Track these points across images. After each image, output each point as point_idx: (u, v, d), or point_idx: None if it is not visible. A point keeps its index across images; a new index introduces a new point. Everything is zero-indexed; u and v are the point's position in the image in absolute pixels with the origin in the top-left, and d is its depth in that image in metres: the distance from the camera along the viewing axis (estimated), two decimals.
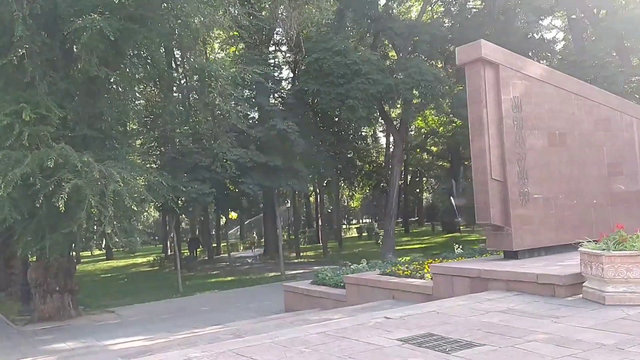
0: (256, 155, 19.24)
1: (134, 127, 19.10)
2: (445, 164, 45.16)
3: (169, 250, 40.95)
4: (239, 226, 54.63)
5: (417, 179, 55.88)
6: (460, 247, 15.70)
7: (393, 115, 27.49)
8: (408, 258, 24.52)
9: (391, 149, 49.84)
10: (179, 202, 19.07)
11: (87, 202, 11.96)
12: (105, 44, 13.32)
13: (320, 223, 47.05)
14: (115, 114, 14.30)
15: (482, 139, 9.24)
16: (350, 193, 38.76)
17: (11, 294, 20.20)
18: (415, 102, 20.52)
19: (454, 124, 34.58)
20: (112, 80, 14.34)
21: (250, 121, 19.56)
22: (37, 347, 11.36)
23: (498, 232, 9.37)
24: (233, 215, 56.34)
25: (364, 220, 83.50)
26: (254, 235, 51.94)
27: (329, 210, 54.92)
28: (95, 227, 12.44)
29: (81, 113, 14.06)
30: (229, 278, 22.41)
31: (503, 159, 9.27)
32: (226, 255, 40.51)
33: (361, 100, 18.83)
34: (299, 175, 21.39)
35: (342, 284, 12.29)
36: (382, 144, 45.12)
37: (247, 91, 20.28)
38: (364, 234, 47.33)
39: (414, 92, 19.62)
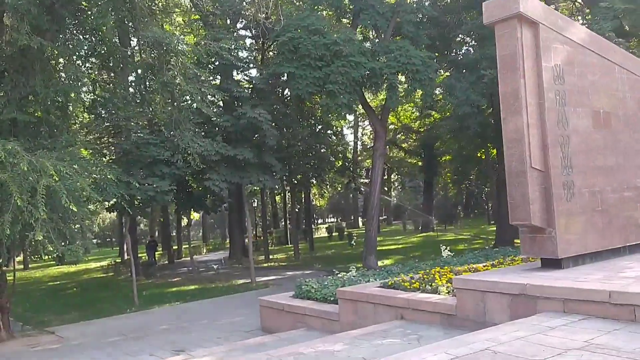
0: (223, 148, 16.88)
1: (81, 115, 16.52)
2: (417, 161, 43.61)
3: (125, 254, 38.03)
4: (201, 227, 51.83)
5: (385, 177, 54.34)
6: (447, 248, 13.92)
7: (373, 104, 25.59)
8: (389, 261, 22.69)
9: (356, 147, 48.36)
10: (135, 201, 16.58)
11: (12, 201, 9.47)
12: (39, 9, 10.85)
13: (288, 223, 44.93)
14: (53, 95, 11.76)
15: (519, 118, 7.26)
16: (322, 191, 36.71)
17: None
18: (401, 88, 18.55)
19: (432, 118, 32.97)
20: (48, 54, 11.79)
21: (216, 109, 17.12)
22: None
23: (538, 234, 7.41)
24: (195, 215, 53.64)
25: (329, 220, 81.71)
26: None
27: (297, 210, 52.81)
28: (25, 233, 9.92)
29: (9, 92, 11.48)
30: (192, 286, 19.97)
31: (544, 142, 7.33)
32: (188, 259, 37.88)
33: (342, 85, 16.73)
34: (271, 170, 19.13)
35: (331, 298, 10.20)
36: (348, 140, 43.24)
37: (211, 75, 17.91)
38: (334, 234, 45.37)
39: (400, 77, 17.64)
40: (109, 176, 11.07)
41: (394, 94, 17.63)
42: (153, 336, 11.84)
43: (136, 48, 14.21)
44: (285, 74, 17.71)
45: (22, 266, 40.78)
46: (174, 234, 38.45)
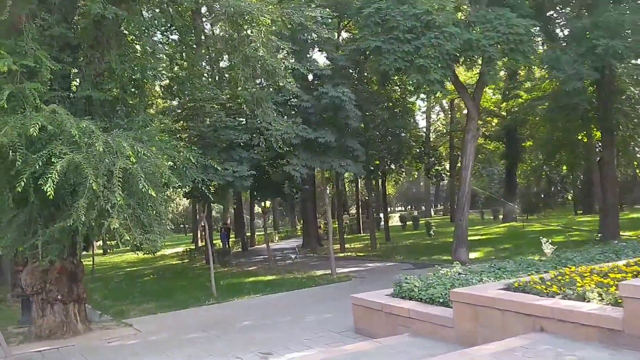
0: (303, 130, 15.67)
1: (155, 100, 15.78)
2: (497, 146, 40.84)
3: (199, 241, 38.02)
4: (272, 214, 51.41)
5: (458, 164, 51.71)
6: (548, 241, 12.05)
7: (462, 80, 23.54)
8: (479, 254, 20.87)
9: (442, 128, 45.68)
10: (211, 187, 15.72)
11: (87, 185, 8.60)
12: None
13: (361, 211, 43.61)
14: (129, 72, 10.89)
15: None
16: (397, 178, 34.99)
17: (19, 296, 17.25)
18: (502, 62, 16.58)
19: (520, 100, 30.41)
20: (123, 26, 10.91)
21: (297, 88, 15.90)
22: None
23: None
24: (267, 204, 53.30)
25: (397, 209, 79.52)
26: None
27: (367, 198, 51.30)
28: (101, 220, 9.08)
29: (84, 69, 10.70)
30: (270, 277, 19.01)
31: None
32: (261, 246, 37.36)
33: (434, 59, 15.04)
34: (352, 155, 17.76)
35: (440, 300, 8.73)
36: (421, 127, 41.07)
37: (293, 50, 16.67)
38: (408, 224, 43.56)
39: (500, 48, 15.68)
40: (190, 158, 10.08)
41: (492, 68, 15.73)
42: (234, 334, 10.82)
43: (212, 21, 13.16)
44: (371, 49, 16.15)
45: (101, 251, 41.84)
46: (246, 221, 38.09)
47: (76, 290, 11.74)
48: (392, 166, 28.01)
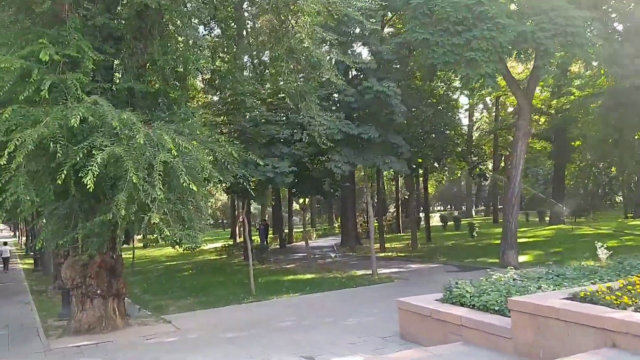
0: (346, 126, 15.18)
1: (197, 95, 15.57)
2: (545, 146, 39.32)
3: (237, 237, 38.06)
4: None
5: (502, 164, 50.16)
6: (603, 246, 11.17)
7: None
8: (528, 257, 19.95)
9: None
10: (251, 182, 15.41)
11: (127, 178, 8.36)
12: None
13: (400, 210, 42.84)
14: (172, 63, 10.64)
15: None
16: (439, 177, 34.06)
17: (59, 288, 17.41)
18: (559, 55, 15.67)
19: (572, 97, 29.08)
20: (166, 17, 10.66)
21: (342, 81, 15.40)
22: None
23: None
24: (305, 201, 53.05)
25: (436, 209, 77.98)
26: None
27: (407, 197, 50.39)
28: (140, 214, 8.84)
29: (127, 60, 10.49)
30: (309, 275, 18.62)
31: None
32: (299, 243, 37.07)
33: (485, 52, 14.29)
34: (398, 151, 17.16)
35: (495, 308, 8.13)
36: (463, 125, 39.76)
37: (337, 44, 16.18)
38: (449, 224, 42.52)
39: (556, 41, 14.79)
40: (232, 153, 9.75)
41: (547, 61, 14.87)
42: (274, 334, 10.44)
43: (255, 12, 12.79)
44: (418, 42, 15.49)
45: (141, 244, 42.39)
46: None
47: (115, 285, 11.61)
48: (436, 164, 27.20)
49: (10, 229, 77.98)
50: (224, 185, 12.88)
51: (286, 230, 35.79)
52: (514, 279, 9.35)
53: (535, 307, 7.09)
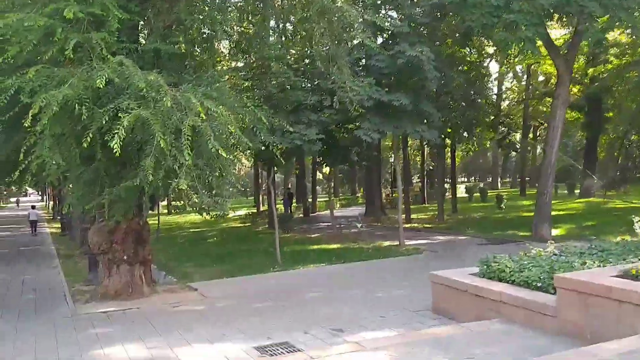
0: (377, 92, 14.61)
1: (223, 53, 15.11)
2: (578, 116, 38.01)
3: (261, 205, 38.01)
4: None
5: (531, 135, 48.85)
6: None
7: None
8: (560, 231, 19.35)
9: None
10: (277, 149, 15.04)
11: (155, 142, 8.06)
12: None
13: (426, 181, 42.27)
14: (198, 24, 10.19)
15: None
16: (467, 147, 33.27)
17: (86, 253, 17.48)
18: (602, 20, 14.74)
19: (610, 66, 27.85)
20: None
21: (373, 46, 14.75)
22: (84, 352, 7.80)
23: None
24: (327, 169, 52.72)
25: (459, 180, 76.84)
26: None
27: (431, 167, 49.66)
28: (168, 181, 8.57)
29: (152, 20, 10.08)
30: (335, 245, 18.37)
31: None
32: (322, 213, 36.90)
33: (526, 14, 13.50)
34: (429, 119, 16.56)
35: (537, 284, 7.71)
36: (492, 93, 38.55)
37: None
38: (474, 195, 41.80)
39: (601, 4, 13.88)
40: (261, 118, 9.36)
41: (591, 25, 14.00)
42: (302, 306, 10.22)
43: None
44: (453, 3, 14.69)
45: (166, 211, 42.65)
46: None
47: (142, 252, 11.46)
48: (465, 134, 26.47)
49: (39, 193, 79.49)
50: (251, 152, 12.51)
51: (310, 200, 35.56)
52: (554, 254, 8.90)
53: (584, 284, 6.65)
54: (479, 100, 23.99)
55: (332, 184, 42.17)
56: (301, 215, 32.57)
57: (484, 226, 22.39)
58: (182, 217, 37.72)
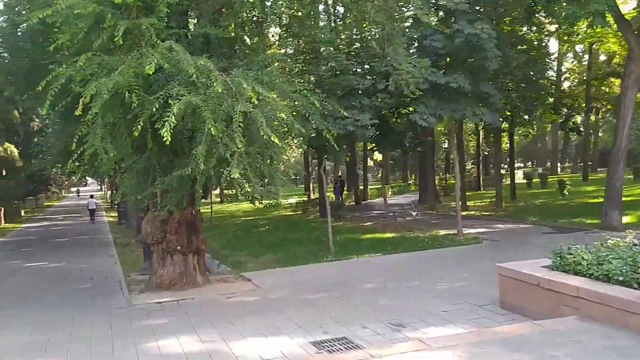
0: (433, 74, 13.90)
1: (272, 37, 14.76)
2: None
3: (312, 193, 37.81)
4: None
5: (593, 117, 46.32)
6: None
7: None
8: (631, 219, 18.13)
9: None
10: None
11: (205, 130, 7.79)
12: None
13: (481, 166, 40.92)
14: (248, 8, 9.84)
15: None
16: (527, 130, 31.74)
17: (142, 242, 17.68)
18: None
19: None
20: None
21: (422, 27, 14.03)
22: (138, 344, 7.68)
23: None
24: (378, 156, 51.99)
25: (516, 165, 74.16)
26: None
27: (486, 153, 48.05)
28: (219, 169, 8.31)
29: (202, 4, 9.80)
30: (389, 234, 17.84)
31: None
32: (374, 200, 36.34)
33: None
34: (489, 101, 15.69)
35: (620, 279, 7.00)
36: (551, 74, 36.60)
37: None
38: (534, 181, 40.13)
39: None
40: (314, 103, 8.94)
41: None
42: (358, 297, 9.81)
43: None
44: None
45: (218, 199, 43.17)
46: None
47: (195, 241, 11.34)
48: (525, 117, 25.20)
49: (98, 183, 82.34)
50: (303, 139, 12.15)
51: (361, 187, 35.03)
52: (635, 244, 8.10)
53: None
54: (540, 81, 22.70)
55: (384, 171, 41.43)
56: (352, 203, 32.11)
57: (547, 213, 21.28)
58: (234, 206, 38.05)
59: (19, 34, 14.41)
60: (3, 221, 34.81)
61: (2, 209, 34.46)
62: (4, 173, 33.40)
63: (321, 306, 9.24)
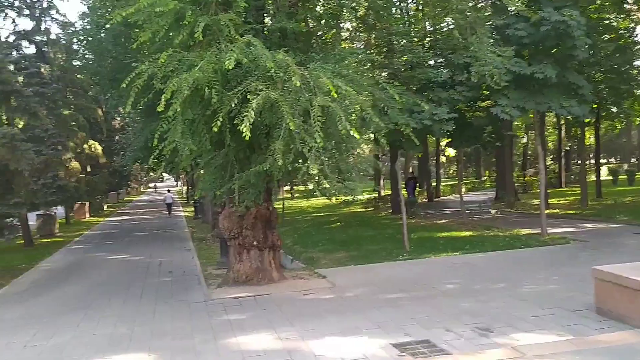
0: (517, 65, 13.14)
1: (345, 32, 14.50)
2: None
3: (382, 190, 37.34)
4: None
5: None
6: None
7: None
8: None
9: None
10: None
11: (283, 125, 7.67)
12: None
13: (562, 162, 38.89)
14: (325, 1, 9.64)
15: None
16: (613, 125, 29.68)
17: (217, 237, 18.01)
18: None
19: None
20: None
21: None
22: (218, 339, 7.68)
23: None
24: (450, 152, 50.64)
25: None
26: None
27: (567, 148, 45.60)
28: (296, 165, 8.18)
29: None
30: (466, 233, 17.16)
31: None
32: (447, 197, 35.39)
33: None
34: (577, 93, 14.69)
35: None
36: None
37: None
38: (620, 178, 37.65)
39: None
40: (394, 96, 8.62)
41: None
42: (438, 298, 9.38)
43: None
44: None
45: (289, 195, 43.54)
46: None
47: (271, 237, 11.32)
48: (613, 109, 23.57)
49: (174, 179, 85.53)
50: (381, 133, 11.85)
51: (434, 184, 34.17)
52: None
53: None
54: (630, 71, 21.12)
55: (459, 167, 40.32)
56: (425, 200, 31.38)
57: (638, 213, 19.77)
58: (305, 202, 38.19)
59: (102, 35, 15.00)
60: (88, 215, 36.77)
61: (88, 203, 36.39)
62: (89, 169, 35.25)
63: (401, 306, 8.91)
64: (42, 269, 16.23)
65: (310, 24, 10.22)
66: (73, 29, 18.40)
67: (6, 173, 16.35)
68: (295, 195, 46.28)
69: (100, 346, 7.72)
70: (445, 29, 13.61)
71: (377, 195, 32.89)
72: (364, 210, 29.83)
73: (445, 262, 12.93)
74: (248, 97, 7.73)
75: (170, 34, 8.53)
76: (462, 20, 10.16)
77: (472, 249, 14.13)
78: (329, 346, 7.08)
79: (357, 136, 7.62)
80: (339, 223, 23.57)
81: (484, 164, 54.47)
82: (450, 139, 19.75)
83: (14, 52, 21.94)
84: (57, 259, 18.26)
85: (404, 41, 14.25)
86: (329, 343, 7.20)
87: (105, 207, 43.99)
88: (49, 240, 24.08)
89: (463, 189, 38.75)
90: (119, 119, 42.28)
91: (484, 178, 51.08)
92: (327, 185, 7.95)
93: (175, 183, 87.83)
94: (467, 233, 17.01)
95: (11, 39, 21.25)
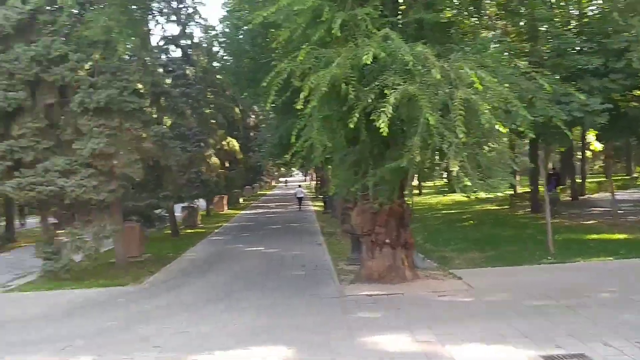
0: None
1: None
2: None
3: (518, 186, 35.12)
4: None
5: None
6: None
7: None
8: None
9: None
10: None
11: (421, 120, 7.38)
12: None
13: None
14: None
15: None
16: None
17: (347, 232, 18.10)
18: None
19: None
20: None
21: None
22: (354, 337, 7.62)
23: None
24: (596, 147, 46.31)
25: None
26: None
27: None
28: (433, 161, 7.84)
29: None
30: (620, 235, 15.44)
31: None
32: (593, 195, 32.36)
33: None
34: None
35: None
36: None
37: None
38: None
39: None
40: (545, 86, 7.92)
41: None
42: (593, 308, 8.46)
43: None
44: None
45: (417, 191, 42.64)
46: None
47: (404, 235, 11.07)
48: None
49: (303, 174, 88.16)
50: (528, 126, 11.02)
51: (578, 180, 31.46)
52: None
53: None
54: None
55: (609, 163, 36.75)
56: (568, 198, 28.95)
57: None
58: (433, 198, 37.23)
59: (240, 36, 15.69)
60: (226, 207, 39.13)
61: (226, 196, 38.74)
62: (227, 164, 37.50)
63: (549, 315, 8.20)
64: (187, 258, 17.44)
65: (449, 13, 9.75)
66: (214, 31, 19.54)
67: (157, 169, 17.83)
68: (423, 191, 45.29)
69: (240, 336, 8.02)
70: (597, 12, 12.28)
71: (512, 192, 30.97)
72: (498, 208, 28.29)
73: (599, 267, 11.72)
74: (385, 91, 7.55)
75: (308, 31, 8.60)
76: (621, 1, 9.08)
77: (629, 253, 12.67)
78: (470, 353, 6.71)
79: (503, 130, 7.09)
80: (471, 221, 22.57)
81: (634, 158, 49.11)
82: (597, 132, 17.88)
83: (163, 56, 23.80)
84: (200, 249, 19.54)
85: (546, 27, 13.12)
86: (470, 350, 6.82)
87: (241, 200, 46.51)
88: (192, 231, 25.93)
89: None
90: (253, 117, 44.36)
91: (635, 175, 46.04)
92: (469, 183, 7.50)
93: (303, 178, 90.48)
94: (622, 236, 15.31)
95: (161, 43, 23.16)
